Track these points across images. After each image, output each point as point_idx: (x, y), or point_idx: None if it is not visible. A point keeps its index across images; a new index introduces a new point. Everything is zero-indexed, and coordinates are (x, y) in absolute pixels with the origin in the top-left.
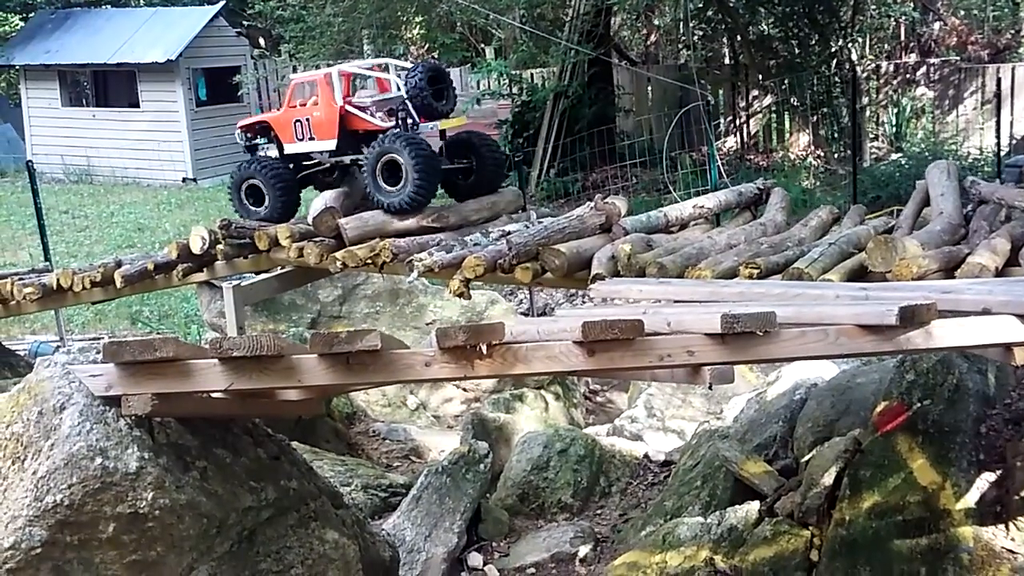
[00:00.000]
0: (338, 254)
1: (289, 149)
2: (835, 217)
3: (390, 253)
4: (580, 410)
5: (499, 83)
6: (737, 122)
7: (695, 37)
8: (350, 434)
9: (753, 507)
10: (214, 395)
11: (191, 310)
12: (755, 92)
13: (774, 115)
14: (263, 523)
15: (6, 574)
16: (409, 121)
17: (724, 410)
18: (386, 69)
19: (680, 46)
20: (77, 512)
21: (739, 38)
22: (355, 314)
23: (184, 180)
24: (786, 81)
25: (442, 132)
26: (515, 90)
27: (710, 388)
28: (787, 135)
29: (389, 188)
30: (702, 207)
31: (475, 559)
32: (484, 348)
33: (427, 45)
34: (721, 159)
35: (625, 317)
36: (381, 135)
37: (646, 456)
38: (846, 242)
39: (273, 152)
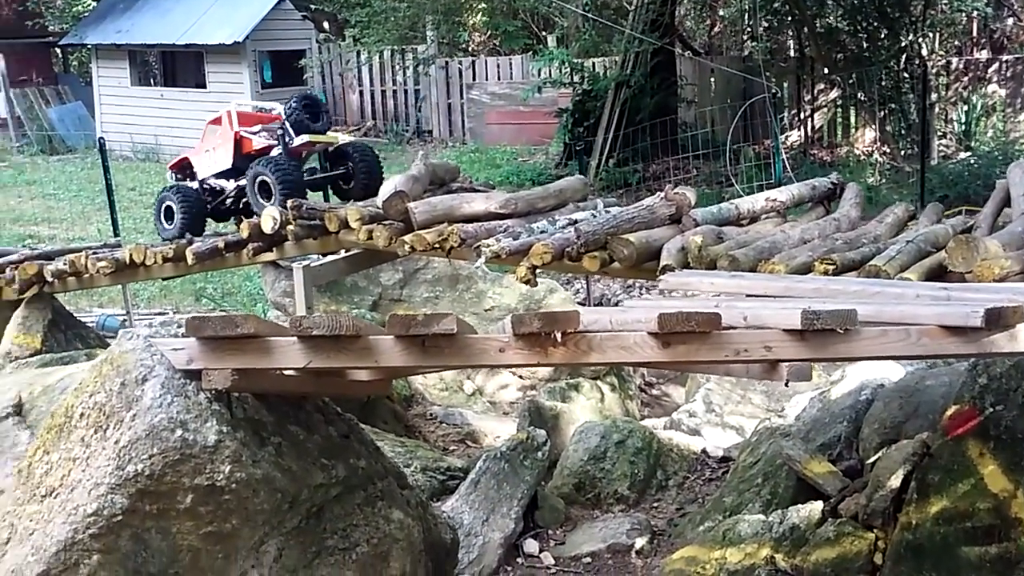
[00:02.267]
0: (407, 237)
1: (201, 176)
2: (911, 215)
3: (458, 238)
4: (636, 402)
5: (560, 71)
6: (801, 116)
7: (761, 28)
8: (408, 416)
9: (816, 507)
10: (288, 372)
11: (253, 289)
12: (820, 86)
13: (839, 109)
14: (331, 500)
15: (89, 539)
16: (287, 139)
17: (785, 408)
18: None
19: (745, 37)
20: (157, 482)
21: (806, 30)
22: (415, 298)
23: None
24: (853, 75)
25: (326, 147)
26: (576, 79)
27: (786, 385)
28: (852, 130)
29: (264, 202)
30: (774, 200)
31: (531, 546)
32: (558, 336)
33: (489, 32)
34: (784, 153)
35: (701, 309)
36: (254, 161)
37: (704, 451)
38: (924, 240)
39: (193, 184)
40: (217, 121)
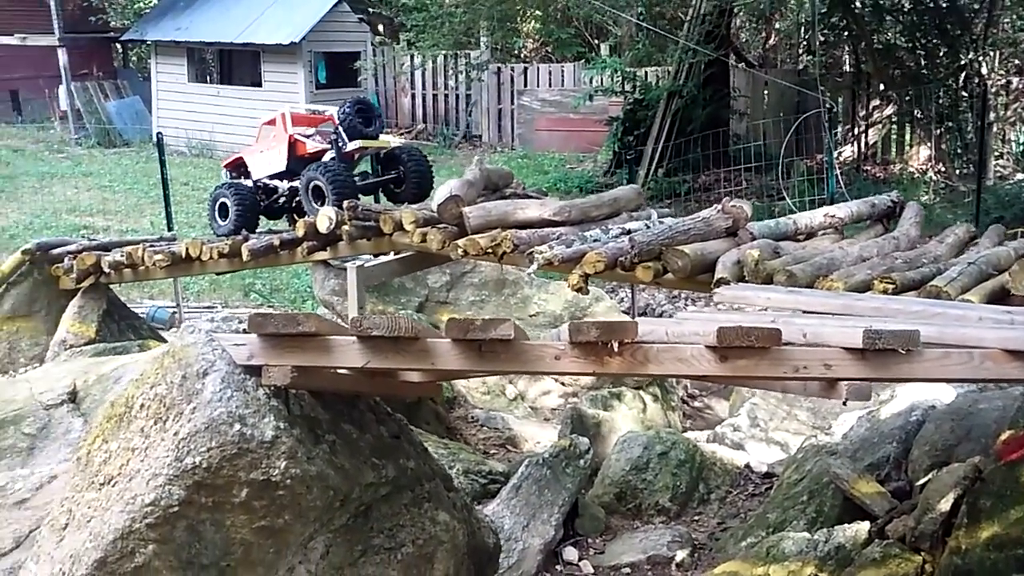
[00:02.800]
0: (460, 241)
1: (255, 176)
2: (972, 235)
3: (511, 244)
4: (678, 413)
5: (612, 80)
6: (855, 131)
7: (817, 42)
8: (449, 418)
9: (863, 527)
10: (342, 371)
11: (301, 286)
12: (876, 101)
13: (894, 126)
14: (379, 500)
15: (145, 528)
16: (340, 143)
17: (832, 426)
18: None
19: (800, 51)
20: (214, 475)
21: (863, 45)
22: (461, 301)
23: None
24: (910, 92)
25: (378, 151)
26: (628, 87)
27: (844, 404)
28: (907, 148)
29: (316, 206)
30: (833, 216)
31: (570, 553)
32: (615, 346)
33: (542, 39)
34: (837, 168)
35: (760, 324)
36: (308, 165)
37: (747, 466)
38: (985, 262)
39: (248, 182)
40: (272, 123)
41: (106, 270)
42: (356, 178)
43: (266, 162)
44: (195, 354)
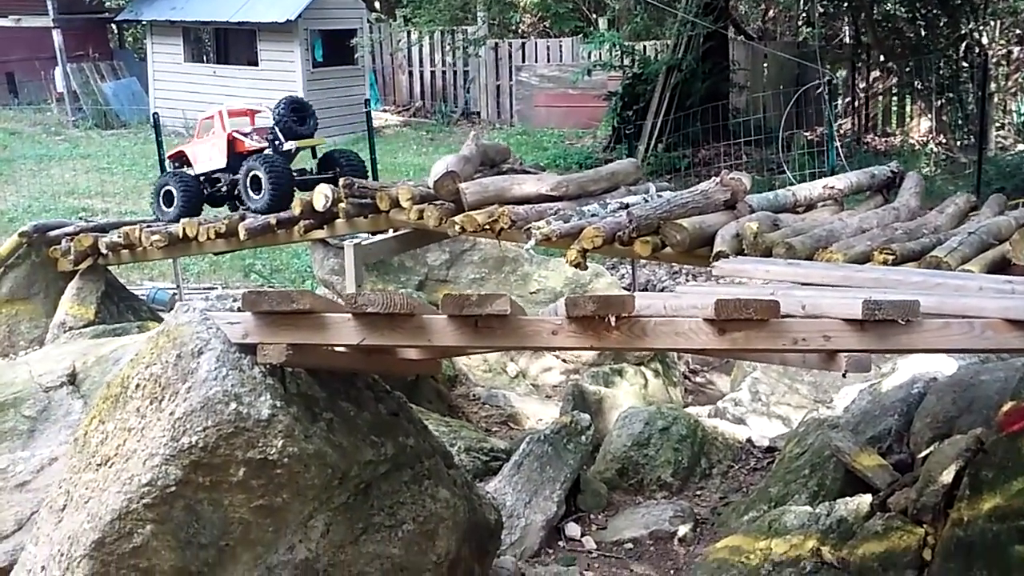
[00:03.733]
0: (457, 218)
1: (197, 169)
2: (972, 205)
3: (508, 220)
4: (679, 389)
5: (611, 54)
6: (855, 103)
7: (816, 14)
8: (451, 396)
9: (865, 500)
10: (339, 349)
11: (302, 266)
12: (876, 73)
13: (895, 98)
14: (379, 477)
15: (143, 508)
16: (276, 142)
17: (834, 399)
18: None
19: (800, 23)
20: (210, 454)
21: (863, 16)
22: (461, 279)
23: None
24: (910, 63)
25: (314, 150)
26: (627, 62)
27: (844, 376)
28: (907, 119)
29: (255, 196)
30: (832, 188)
31: (573, 529)
32: (612, 320)
33: (539, 14)
34: (837, 141)
35: (758, 297)
36: (248, 157)
37: (749, 440)
38: (986, 232)
39: (192, 171)
40: (210, 118)
41: (104, 251)
42: (295, 174)
43: (207, 157)
44: (190, 333)
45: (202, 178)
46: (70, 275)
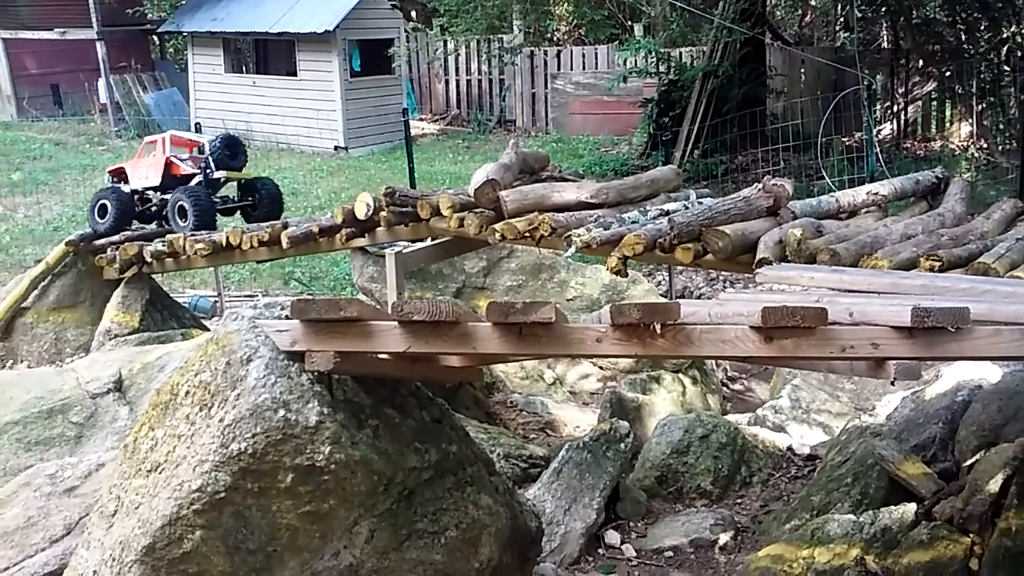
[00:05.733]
0: (497, 226)
1: (133, 185)
2: (1019, 211)
3: (548, 227)
4: (717, 396)
5: (646, 61)
6: (894, 108)
7: (854, 18)
8: (489, 403)
9: (909, 509)
10: (383, 356)
11: (340, 273)
12: (915, 78)
13: (934, 103)
14: (422, 484)
15: (192, 514)
16: (208, 170)
17: (876, 407)
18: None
19: (837, 27)
20: (259, 461)
21: (902, 21)
22: (498, 286)
23: (336, 148)
24: (950, 67)
25: (239, 180)
26: (662, 68)
27: (892, 384)
28: (947, 124)
29: (181, 223)
30: (876, 194)
31: (612, 537)
32: (658, 327)
33: (575, 22)
34: (877, 146)
35: (805, 304)
36: (177, 186)
37: (789, 448)
38: None
39: (127, 188)
40: (154, 142)
41: (148, 260)
42: (217, 201)
43: (144, 175)
44: (239, 341)
45: (136, 196)
46: (115, 283)
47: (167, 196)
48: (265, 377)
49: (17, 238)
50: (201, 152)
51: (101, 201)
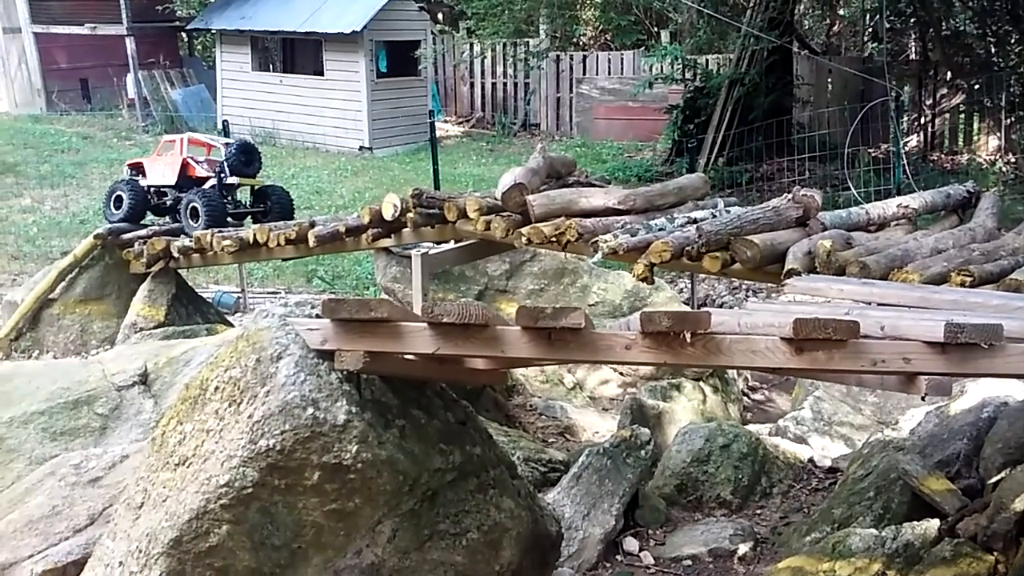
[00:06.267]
0: (524, 230)
1: (150, 181)
2: None
3: (575, 232)
4: (738, 406)
5: (672, 68)
6: (921, 120)
7: (883, 29)
8: (509, 406)
9: (932, 525)
10: (410, 357)
11: (363, 273)
12: (943, 90)
13: (962, 115)
14: (445, 485)
15: (219, 509)
16: (223, 175)
17: (900, 421)
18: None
19: (865, 38)
20: (287, 458)
21: (931, 32)
22: (520, 290)
23: (360, 148)
24: (979, 80)
25: (252, 187)
26: (688, 75)
27: (923, 399)
28: (975, 137)
29: (192, 223)
30: (906, 207)
31: (631, 544)
32: (687, 336)
33: (601, 27)
34: (904, 158)
35: (836, 316)
36: (192, 188)
37: (811, 460)
38: None
39: (143, 182)
40: (172, 142)
41: (175, 255)
42: (229, 205)
43: (161, 173)
44: (269, 338)
45: (151, 190)
46: (142, 277)
47: (182, 195)
48: (295, 375)
49: (44, 230)
50: (217, 155)
51: (116, 193)
